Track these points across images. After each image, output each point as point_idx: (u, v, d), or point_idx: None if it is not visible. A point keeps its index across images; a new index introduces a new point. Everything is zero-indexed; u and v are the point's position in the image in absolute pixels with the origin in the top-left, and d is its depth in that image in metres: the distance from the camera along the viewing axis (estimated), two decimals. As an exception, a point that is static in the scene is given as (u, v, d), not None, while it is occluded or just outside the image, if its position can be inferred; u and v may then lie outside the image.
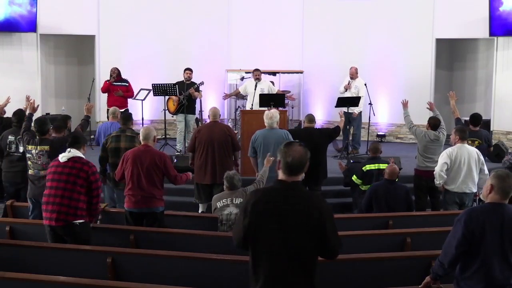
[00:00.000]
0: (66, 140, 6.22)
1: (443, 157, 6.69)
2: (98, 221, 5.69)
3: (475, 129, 7.92)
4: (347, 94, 10.43)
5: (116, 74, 10.35)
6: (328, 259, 3.26)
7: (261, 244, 3.08)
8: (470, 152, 6.67)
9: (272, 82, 11.23)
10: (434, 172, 6.81)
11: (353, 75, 10.52)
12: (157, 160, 5.68)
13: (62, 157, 5.10)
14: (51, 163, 5.21)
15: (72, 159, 5.07)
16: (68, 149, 5.16)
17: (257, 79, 9.99)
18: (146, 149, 5.76)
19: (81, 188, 5.02)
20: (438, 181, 6.76)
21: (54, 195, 5.00)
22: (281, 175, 3.17)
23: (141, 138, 5.88)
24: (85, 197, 5.07)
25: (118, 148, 6.60)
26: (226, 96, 10.95)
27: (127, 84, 10.43)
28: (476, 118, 8.02)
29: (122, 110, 10.35)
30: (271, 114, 6.97)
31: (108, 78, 10.46)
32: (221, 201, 5.87)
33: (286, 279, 3.07)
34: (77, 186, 5.01)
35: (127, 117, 6.94)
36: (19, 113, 6.99)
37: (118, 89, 10.28)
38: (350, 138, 10.49)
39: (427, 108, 7.96)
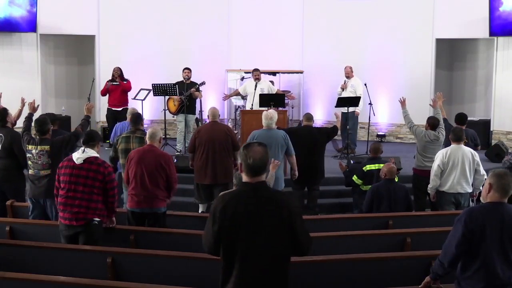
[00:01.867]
0: (67, 140, 6.24)
1: (437, 160, 6.74)
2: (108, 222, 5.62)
3: (462, 128, 7.92)
4: (344, 94, 10.43)
5: (118, 75, 10.40)
6: (300, 256, 3.31)
7: (233, 247, 3.10)
8: (464, 152, 6.68)
9: (272, 82, 11.23)
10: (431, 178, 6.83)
11: (349, 74, 10.53)
12: (162, 161, 5.68)
13: (78, 159, 5.07)
14: (65, 162, 5.17)
15: (87, 160, 5.07)
16: (82, 148, 5.15)
17: (257, 79, 9.99)
18: (151, 149, 5.76)
19: (98, 190, 5.07)
20: (430, 185, 6.78)
21: (72, 197, 5.02)
22: (244, 177, 3.19)
23: (147, 138, 5.88)
24: (102, 198, 5.12)
25: (128, 149, 6.52)
26: (226, 97, 10.94)
27: (125, 82, 10.52)
28: (461, 117, 8.03)
29: (120, 109, 10.44)
30: (271, 115, 6.95)
31: (110, 78, 10.54)
32: None
33: (259, 279, 3.09)
34: (95, 189, 5.05)
35: (136, 118, 6.91)
36: (1, 112, 6.93)
37: (117, 87, 10.45)
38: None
39: (430, 104, 7.94)
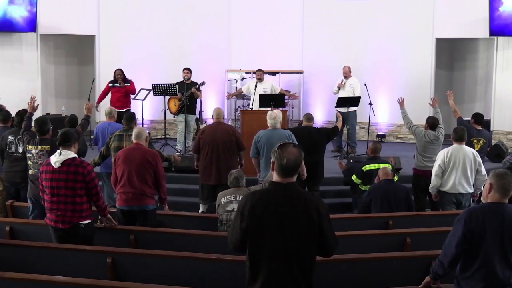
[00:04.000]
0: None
1: (438, 160, 6.74)
2: (98, 221, 5.65)
3: (479, 128, 7.91)
4: (342, 93, 10.42)
5: (121, 78, 10.39)
6: (326, 257, 3.30)
7: (260, 246, 3.09)
8: (466, 152, 6.67)
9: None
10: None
11: (347, 74, 10.53)
12: (149, 158, 5.71)
13: (55, 162, 4.96)
14: (44, 167, 5.08)
15: (65, 163, 4.94)
16: (59, 151, 5.01)
17: (259, 79, 10.00)
18: (137, 147, 5.80)
19: (81, 191, 4.98)
20: (431, 185, 6.78)
21: (57, 201, 4.98)
22: (275, 177, 3.17)
23: (133, 137, 5.93)
24: (87, 198, 5.06)
25: (121, 147, 6.53)
26: (230, 96, 10.95)
27: (129, 84, 10.47)
28: (478, 117, 8.00)
29: (124, 110, 10.42)
30: (275, 115, 6.97)
31: (111, 79, 10.53)
32: (225, 197, 5.90)
33: (285, 279, 3.08)
34: (77, 190, 4.96)
35: (130, 117, 6.93)
36: (22, 113, 6.96)
37: (120, 89, 10.38)
38: (344, 138, 10.47)
39: (430, 104, 7.92)
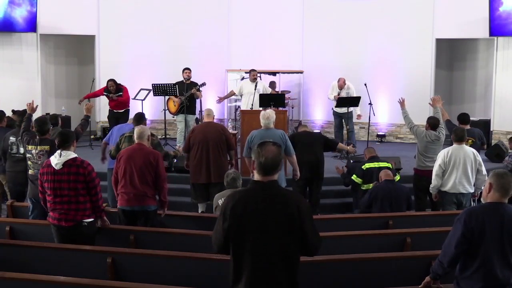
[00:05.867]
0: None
1: (438, 159, 6.73)
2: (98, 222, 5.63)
3: (466, 127, 7.91)
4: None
5: (113, 89, 10.40)
6: (308, 256, 3.29)
7: (242, 246, 3.09)
8: (466, 152, 6.67)
9: (274, 82, 11.24)
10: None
11: (342, 86, 10.58)
12: (151, 158, 5.68)
13: (56, 164, 4.97)
14: (45, 169, 5.07)
15: (66, 164, 4.96)
16: (59, 152, 5.02)
17: (255, 79, 10.01)
18: (139, 147, 5.77)
19: (83, 191, 5.01)
20: (432, 185, 6.78)
21: (60, 202, 4.98)
22: (256, 175, 3.18)
23: (135, 137, 5.90)
24: (90, 197, 5.08)
25: None
26: (221, 100, 10.91)
27: (122, 93, 10.52)
28: (464, 117, 8.02)
29: (122, 110, 10.45)
30: (268, 115, 6.97)
31: (105, 86, 10.60)
32: (222, 199, 5.89)
33: (269, 278, 3.09)
34: (80, 190, 4.98)
35: (139, 117, 6.91)
36: (23, 114, 6.95)
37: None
38: (345, 138, 10.50)
39: (430, 103, 7.92)
